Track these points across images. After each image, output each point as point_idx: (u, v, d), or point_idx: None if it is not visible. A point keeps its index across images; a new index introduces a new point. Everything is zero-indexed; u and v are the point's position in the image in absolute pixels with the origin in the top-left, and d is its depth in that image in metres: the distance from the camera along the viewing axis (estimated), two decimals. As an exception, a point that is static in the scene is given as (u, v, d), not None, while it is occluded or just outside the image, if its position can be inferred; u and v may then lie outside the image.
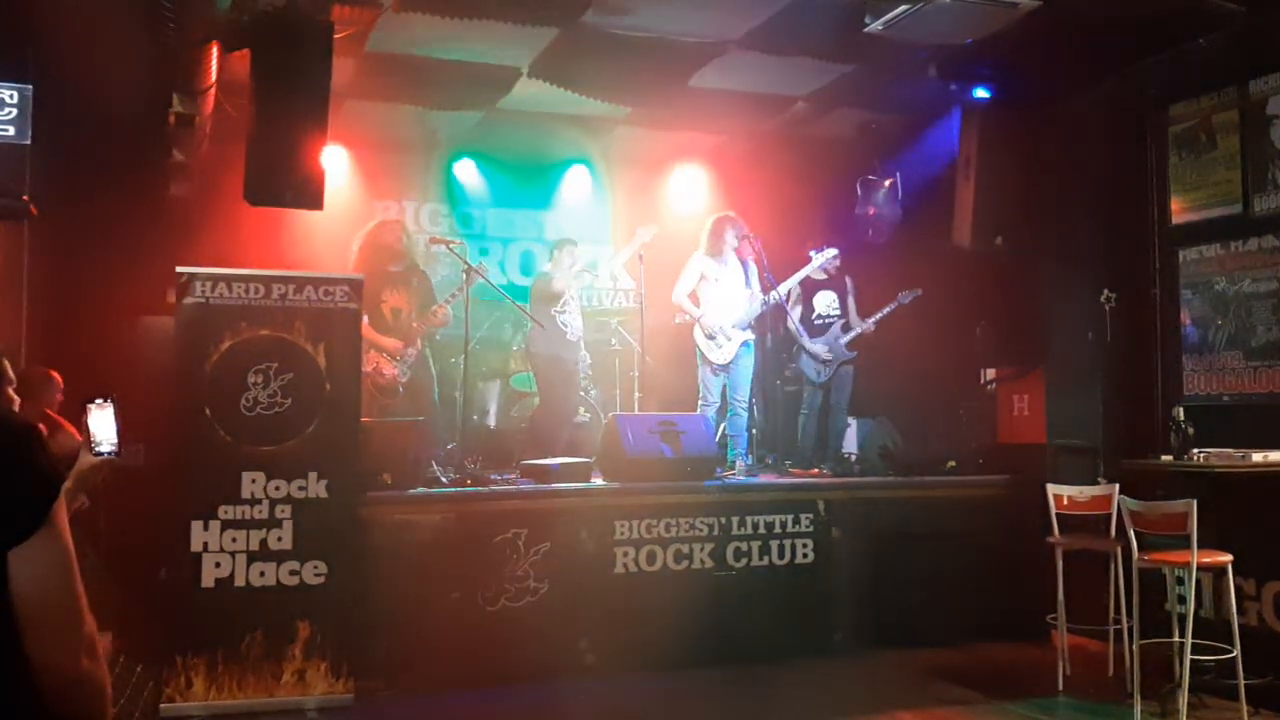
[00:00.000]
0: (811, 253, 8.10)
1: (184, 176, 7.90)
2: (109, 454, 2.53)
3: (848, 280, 8.35)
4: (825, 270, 8.23)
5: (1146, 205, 7.04)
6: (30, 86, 5.54)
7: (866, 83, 7.70)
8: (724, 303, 7.69)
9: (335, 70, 5.73)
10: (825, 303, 8.29)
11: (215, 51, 6.02)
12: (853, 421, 8.39)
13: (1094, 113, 7.25)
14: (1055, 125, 7.36)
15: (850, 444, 8.30)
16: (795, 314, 8.26)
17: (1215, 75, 6.60)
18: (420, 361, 7.37)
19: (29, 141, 5.52)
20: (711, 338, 7.66)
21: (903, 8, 6.02)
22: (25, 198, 5.44)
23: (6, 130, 5.42)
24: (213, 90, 6.54)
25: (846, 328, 8.20)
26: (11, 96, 5.46)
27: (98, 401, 2.54)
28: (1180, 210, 6.86)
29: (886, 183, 8.42)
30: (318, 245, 8.09)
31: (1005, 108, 7.26)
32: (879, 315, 8.13)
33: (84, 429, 2.53)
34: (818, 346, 8.19)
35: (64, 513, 1.59)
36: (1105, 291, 6.95)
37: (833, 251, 8.08)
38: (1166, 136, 6.95)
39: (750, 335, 7.76)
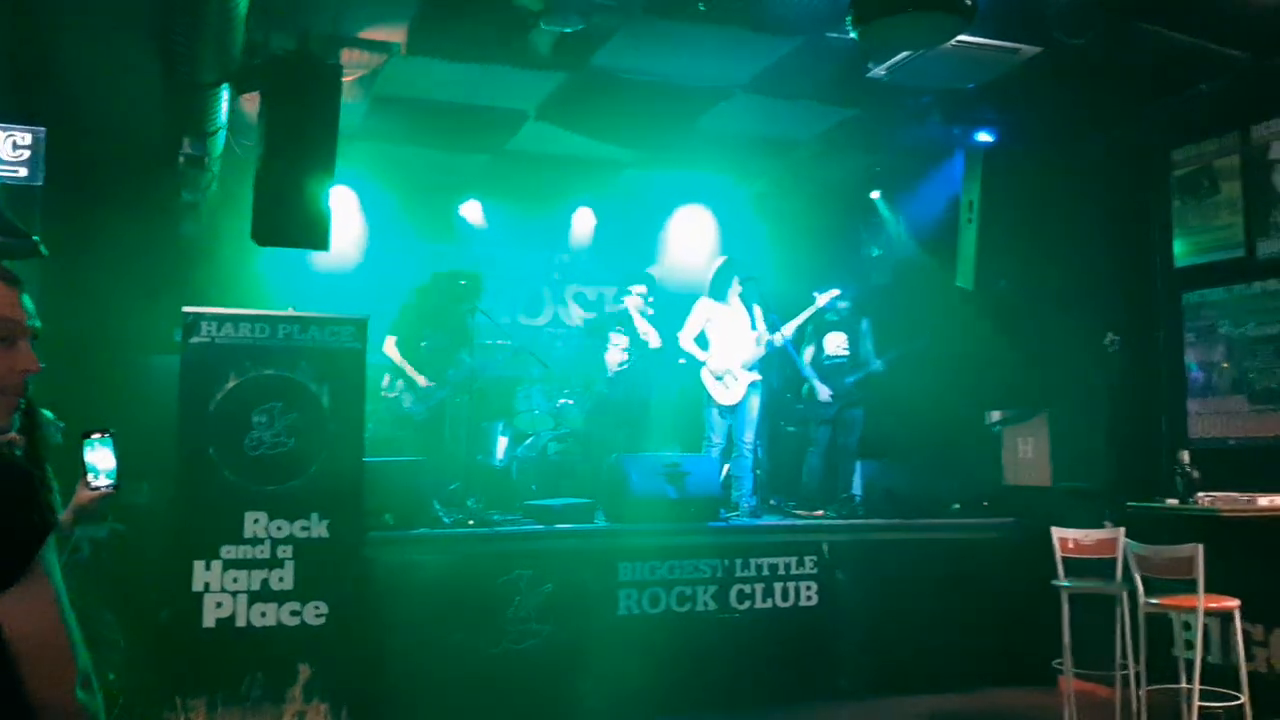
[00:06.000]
0: (815, 293, 8.13)
1: (193, 216, 7.96)
2: (107, 488, 2.52)
3: (864, 322, 8.33)
4: (837, 311, 8.23)
5: (1150, 249, 7.06)
6: (43, 129, 5.59)
7: (871, 126, 7.76)
8: (731, 345, 7.72)
9: (344, 112, 5.79)
10: (835, 344, 8.28)
11: (226, 94, 6.09)
12: (857, 464, 8.35)
13: (1096, 157, 7.30)
14: (1058, 169, 7.41)
15: (855, 486, 8.26)
16: (807, 354, 8.25)
17: (1217, 120, 6.64)
18: (440, 406, 7.51)
19: (41, 183, 5.57)
20: (719, 379, 7.68)
21: (905, 54, 6.09)
22: (36, 238, 5.48)
23: (19, 172, 5.46)
24: (222, 131, 6.61)
25: (855, 368, 8.18)
26: (25, 138, 5.51)
27: (96, 435, 2.52)
28: (1183, 254, 6.88)
29: (890, 226, 8.46)
30: (325, 286, 8.14)
31: (1008, 151, 7.32)
32: (886, 359, 8.11)
33: (81, 463, 2.51)
34: (824, 386, 8.16)
35: (53, 555, 1.65)
36: (1109, 334, 6.95)
37: (835, 292, 8.09)
38: (1169, 181, 6.98)
39: (757, 376, 7.77)
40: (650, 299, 8.21)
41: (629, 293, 8.33)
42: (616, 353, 8.12)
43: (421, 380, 7.46)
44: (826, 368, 8.23)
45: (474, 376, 7.71)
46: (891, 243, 8.61)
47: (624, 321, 8.22)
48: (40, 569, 1.61)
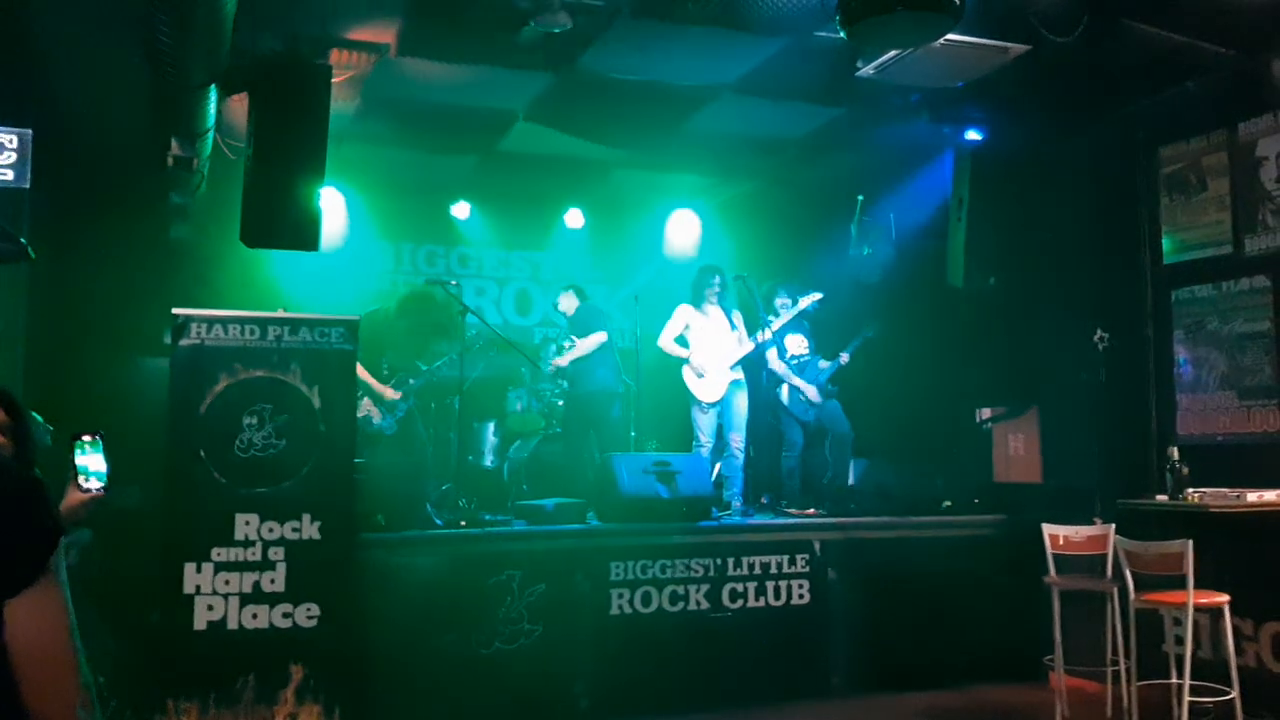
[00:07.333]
0: (799, 296, 8.15)
1: (182, 218, 7.94)
2: (98, 490, 2.51)
3: (806, 321, 8.37)
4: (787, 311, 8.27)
5: (1139, 246, 7.09)
6: (30, 130, 5.57)
7: (859, 126, 7.77)
8: (711, 349, 7.71)
9: (333, 113, 5.78)
10: (797, 344, 8.30)
11: (214, 95, 6.07)
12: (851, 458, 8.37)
13: (1085, 154, 7.33)
14: (1047, 167, 7.43)
15: (851, 477, 8.26)
16: (771, 355, 8.25)
17: (1205, 118, 6.67)
18: (408, 416, 7.41)
19: (28, 186, 5.55)
20: (701, 376, 7.68)
21: (894, 52, 6.10)
22: (24, 241, 5.46)
23: (6, 174, 5.44)
24: (211, 133, 6.59)
25: (818, 368, 8.20)
26: (11, 141, 5.49)
27: (87, 437, 2.51)
28: (1172, 251, 6.91)
29: (880, 224, 8.47)
30: (315, 286, 8.12)
31: (997, 149, 7.33)
32: (849, 349, 8.15)
33: (72, 465, 2.50)
34: (807, 384, 8.15)
35: (62, 564, 1.60)
36: (1099, 331, 6.97)
37: (817, 295, 8.12)
38: (1157, 178, 7.01)
39: (739, 375, 7.77)
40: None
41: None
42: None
43: (388, 392, 7.31)
44: (792, 367, 8.24)
45: (435, 383, 7.65)
46: (880, 242, 8.62)
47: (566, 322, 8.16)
48: (52, 576, 1.56)
